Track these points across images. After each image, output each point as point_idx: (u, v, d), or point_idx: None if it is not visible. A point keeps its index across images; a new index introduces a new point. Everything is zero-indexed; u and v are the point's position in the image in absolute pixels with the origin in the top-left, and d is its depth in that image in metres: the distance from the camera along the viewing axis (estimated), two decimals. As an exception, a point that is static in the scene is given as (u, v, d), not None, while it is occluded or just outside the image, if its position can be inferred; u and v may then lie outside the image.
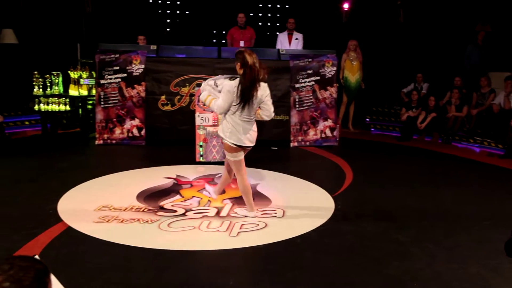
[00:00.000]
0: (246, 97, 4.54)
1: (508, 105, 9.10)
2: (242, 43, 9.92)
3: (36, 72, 8.99)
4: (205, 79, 7.90)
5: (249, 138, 4.72)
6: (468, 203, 5.69)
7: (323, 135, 8.77)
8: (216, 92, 4.79)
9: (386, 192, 6.06)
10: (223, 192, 5.59)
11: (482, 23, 10.63)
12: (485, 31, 10.55)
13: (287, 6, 12.77)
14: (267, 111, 4.84)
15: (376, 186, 6.32)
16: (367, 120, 11.13)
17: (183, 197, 5.54)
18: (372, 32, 11.52)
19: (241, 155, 4.75)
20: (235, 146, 4.66)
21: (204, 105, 5.27)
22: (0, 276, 1.49)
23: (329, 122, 8.78)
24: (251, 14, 12.28)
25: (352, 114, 10.45)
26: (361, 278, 3.74)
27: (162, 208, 5.12)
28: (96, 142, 8.29)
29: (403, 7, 11.90)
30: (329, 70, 8.75)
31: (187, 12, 12.67)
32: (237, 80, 4.58)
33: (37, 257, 2.10)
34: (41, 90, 8.99)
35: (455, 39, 10.97)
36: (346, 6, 11.80)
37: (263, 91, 4.69)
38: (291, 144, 8.64)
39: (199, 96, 5.05)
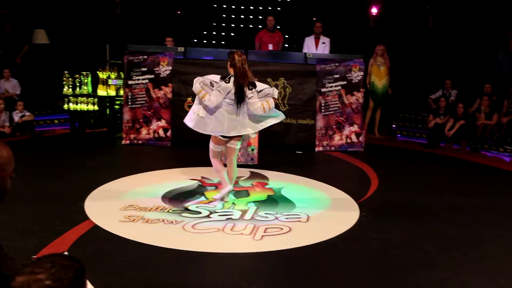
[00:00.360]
0: (240, 94, 5.11)
1: (540, 113, 8.91)
2: (270, 46, 9.91)
3: (66, 72, 9.12)
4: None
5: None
6: (497, 214, 5.58)
7: (349, 141, 8.69)
8: (208, 89, 5.19)
9: (412, 199, 5.98)
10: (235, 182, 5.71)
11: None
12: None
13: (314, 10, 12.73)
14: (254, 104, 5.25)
15: (402, 193, 6.24)
16: (394, 126, 11.01)
17: (207, 199, 5.57)
18: (400, 37, 11.39)
19: (221, 146, 5.38)
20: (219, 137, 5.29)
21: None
22: (42, 274, 1.50)
23: (355, 128, 8.69)
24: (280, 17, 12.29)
25: (378, 120, 10.34)
26: (385, 285, 3.71)
27: (186, 209, 5.15)
28: (123, 142, 8.37)
29: (433, 12, 11.74)
30: (356, 75, 8.68)
31: (216, 15, 12.73)
32: (232, 80, 5.12)
33: (66, 253, 2.14)
34: (70, 89, 9.11)
35: (486, 45, 10.77)
36: (374, 10, 11.70)
37: (259, 86, 5.26)
38: (316, 149, 8.58)
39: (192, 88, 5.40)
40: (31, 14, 10.81)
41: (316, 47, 9.81)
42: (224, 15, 12.79)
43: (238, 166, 7.00)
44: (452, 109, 9.78)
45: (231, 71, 5.20)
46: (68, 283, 1.51)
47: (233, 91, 5.14)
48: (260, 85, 5.34)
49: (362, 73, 8.71)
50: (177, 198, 5.53)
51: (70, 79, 9.09)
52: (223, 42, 12.59)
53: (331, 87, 8.63)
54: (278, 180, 6.48)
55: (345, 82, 8.65)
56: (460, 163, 8.39)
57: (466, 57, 10.97)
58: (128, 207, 5.10)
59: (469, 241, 4.66)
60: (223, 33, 12.76)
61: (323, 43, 9.81)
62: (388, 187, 6.48)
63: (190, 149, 7.97)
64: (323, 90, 8.61)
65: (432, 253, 4.32)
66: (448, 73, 10.79)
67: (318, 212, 5.28)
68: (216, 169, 5.55)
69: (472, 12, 11.04)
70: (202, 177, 6.40)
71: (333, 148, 8.64)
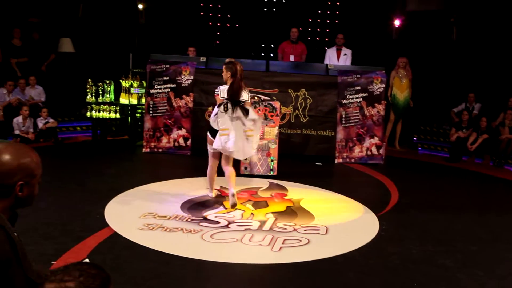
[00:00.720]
0: (234, 99, 5.38)
1: None
2: (292, 57, 9.92)
3: (89, 80, 9.24)
4: (253, 92, 8.02)
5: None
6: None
7: (369, 153, 8.63)
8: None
9: (433, 214, 5.90)
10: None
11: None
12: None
13: (336, 22, 12.74)
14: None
15: (422, 207, 6.16)
16: (415, 139, 10.89)
17: (226, 209, 5.56)
18: (423, 49, 11.30)
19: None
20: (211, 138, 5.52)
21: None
22: (71, 282, 1.53)
23: (376, 140, 8.63)
24: (301, 29, 12.30)
25: (399, 133, 10.25)
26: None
27: (205, 219, 5.16)
28: (143, 150, 8.43)
29: (457, 25, 11.63)
30: (378, 87, 8.63)
31: (237, 25, 12.81)
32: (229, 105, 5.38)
33: (87, 260, 2.16)
34: (93, 97, 9.21)
35: (510, 58, 10.62)
36: (397, 22, 11.65)
37: (247, 94, 5.52)
38: (336, 161, 8.53)
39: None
40: (58, 23, 11.00)
41: (337, 58, 9.79)
42: (245, 25, 12.85)
43: (258, 176, 7.06)
44: (475, 123, 9.65)
45: (230, 80, 5.45)
46: None
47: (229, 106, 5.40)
48: (252, 114, 5.49)
49: (383, 85, 8.67)
50: (196, 207, 5.54)
51: (93, 87, 9.19)
52: (236, 53, 12.63)
53: (352, 98, 8.59)
54: (297, 192, 6.44)
55: (366, 94, 8.61)
56: (482, 178, 8.26)
57: (490, 70, 10.82)
58: (147, 215, 5.13)
59: (491, 258, 4.57)
60: (245, 43, 12.82)
61: (345, 54, 9.79)
62: (409, 201, 6.40)
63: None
64: (344, 101, 8.57)
65: (453, 270, 4.25)
66: (471, 86, 10.64)
67: (337, 225, 5.23)
68: (209, 175, 5.84)
69: (497, 25, 10.91)
70: (221, 187, 6.39)
71: (353, 160, 8.58)
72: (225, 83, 5.52)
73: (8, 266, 1.67)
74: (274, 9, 12.69)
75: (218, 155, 5.66)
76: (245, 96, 5.48)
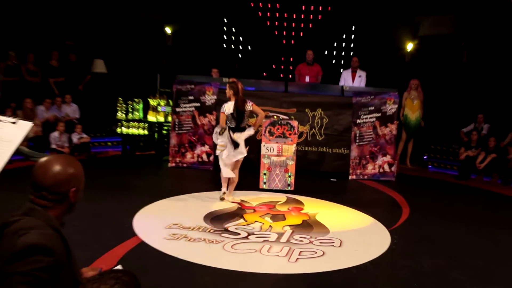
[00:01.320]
0: (238, 113, 6.14)
1: None
2: (307, 78, 9.97)
3: (120, 98, 9.41)
4: (272, 111, 8.10)
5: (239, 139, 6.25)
6: (527, 247, 5.40)
7: (381, 170, 8.62)
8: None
9: (442, 229, 5.85)
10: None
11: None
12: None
13: (351, 45, 12.79)
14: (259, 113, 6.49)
15: (432, 222, 6.11)
16: (425, 157, 10.82)
17: (246, 221, 5.59)
18: (434, 71, 11.28)
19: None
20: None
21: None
22: None
23: (388, 158, 8.62)
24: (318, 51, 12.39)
25: (410, 151, 10.20)
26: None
27: (226, 230, 5.18)
28: (169, 164, 8.53)
29: (467, 48, 11.59)
30: (390, 108, 8.64)
31: (257, 49, 12.94)
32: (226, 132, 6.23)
33: (120, 267, 2.22)
34: (123, 114, 9.38)
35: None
36: (409, 46, 11.66)
37: (249, 106, 6.25)
38: (350, 177, 8.54)
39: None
40: (92, 45, 11.24)
41: (352, 80, 9.81)
42: (266, 48, 12.98)
43: (276, 191, 7.08)
44: (484, 143, 9.56)
45: (233, 97, 6.19)
46: None
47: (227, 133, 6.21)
48: (239, 135, 6.25)
49: (396, 106, 8.67)
50: (217, 219, 5.58)
51: (123, 105, 9.36)
52: (264, 74, 12.76)
53: (366, 118, 8.61)
54: (313, 206, 6.45)
55: (379, 114, 8.62)
56: (490, 195, 8.16)
57: (499, 92, 10.73)
58: (173, 226, 5.18)
59: (500, 273, 4.52)
60: (265, 65, 12.93)
61: (360, 76, 9.81)
62: (419, 216, 6.35)
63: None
64: (358, 121, 8.59)
65: (463, 283, 4.21)
66: (480, 107, 10.57)
67: (350, 238, 5.22)
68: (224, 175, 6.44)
69: (506, 48, 10.84)
70: (242, 200, 6.45)
71: (366, 177, 8.57)
72: (229, 99, 6.24)
73: (62, 268, 1.72)
74: (293, 33, 12.81)
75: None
76: (247, 107, 6.23)
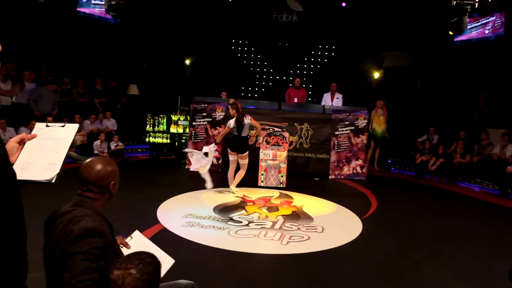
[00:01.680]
0: (239, 125, 6.23)
1: (504, 155, 8.51)
2: (296, 99, 9.93)
3: (148, 114, 9.37)
4: (268, 125, 8.01)
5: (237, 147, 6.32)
6: (470, 232, 5.28)
7: (355, 171, 8.52)
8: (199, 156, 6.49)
9: (403, 218, 5.75)
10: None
11: (483, 90, 10.09)
12: (485, 97, 10.00)
13: (329, 71, 12.75)
14: (257, 126, 6.55)
15: (396, 213, 6.01)
16: (389, 161, 10.71)
17: (247, 211, 5.51)
18: (395, 94, 11.23)
19: (231, 156, 6.37)
20: (229, 150, 6.38)
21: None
22: (133, 269, 1.57)
23: (360, 162, 8.53)
24: (304, 79, 12.36)
25: (377, 156, 10.11)
26: (380, 286, 3.53)
27: (231, 219, 5.10)
28: (186, 167, 8.40)
29: (421, 77, 11.56)
30: (361, 122, 8.56)
31: (257, 76, 12.91)
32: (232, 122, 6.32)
33: (136, 232, 2.14)
34: (151, 127, 9.32)
35: (461, 101, 10.48)
36: (376, 75, 11.64)
37: (247, 120, 6.28)
38: (330, 177, 8.45)
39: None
40: (128, 73, 11.22)
41: (331, 100, 9.74)
42: (263, 76, 12.95)
43: (271, 188, 6.99)
44: (435, 150, 9.47)
45: (235, 114, 6.27)
46: (151, 275, 1.58)
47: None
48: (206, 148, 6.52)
49: (366, 121, 8.60)
50: (224, 210, 5.50)
51: (151, 119, 9.31)
52: (256, 96, 12.72)
53: (342, 131, 8.53)
54: (301, 200, 6.38)
55: (353, 127, 8.54)
56: (440, 191, 8.05)
57: (445, 110, 10.68)
58: (188, 215, 5.10)
59: (448, 253, 4.41)
60: (263, 89, 12.90)
61: (337, 98, 9.73)
62: (385, 208, 6.27)
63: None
64: (336, 133, 8.52)
65: (419, 262, 4.10)
66: (431, 122, 10.50)
67: (331, 225, 5.13)
68: (229, 174, 6.56)
69: (451, 76, 10.82)
70: (244, 195, 6.37)
71: (342, 177, 8.47)
72: (232, 116, 6.33)
73: (109, 247, 1.72)
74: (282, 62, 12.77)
75: (235, 162, 6.43)
76: (246, 121, 6.27)
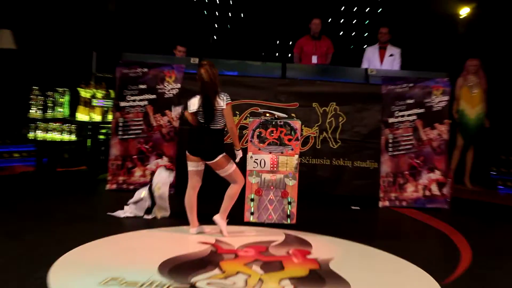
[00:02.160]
0: (208, 108, 6.34)
1: None
2: (314, 59, 10.01)
3: (35, 87, 9.33)
4: (263, 107, 8.00)
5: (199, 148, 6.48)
6: None
7: (428, 193, 8.56)
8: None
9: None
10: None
11: None
12: None
13: (379, 11, 12.78)
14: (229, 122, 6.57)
15: (508, 273, 5.95)
16: (493, 173, 10.76)
17: (223, 272, 5.40)
18: (502, 47, 11.23)
19: (190, 165, 6.53)
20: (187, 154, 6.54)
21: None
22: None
23: (437, 175, 8.57)
24: (330, 20, 12.35)
25: (470, 164, 10.22)
26: None
27: (193, 287, 4.97)
28: (107, 186, 8.44)
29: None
30: (438, 100, 8.62)
31: (242, 15, 12.91)
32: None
33: None
34: (39, 112, 9.30)
35: None
36: (465, 11, 11.65)
37: (223, 101, 6.37)
38: (380, 204, 8.52)
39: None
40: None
41: (381, 60, 9.84)
42: (254, 15, 12.97)
43: (269, 225, 6.99)
44: None
45: (203, 87, 6.40)
46: None
47: None
48: None
49: (447, 98, 8.67)
50: (180, 269, 5.40)
51: (39, 97, 9.26)
52: (242, 52, 12.72)
53: (402, 116, 8.61)
54: (325, 248, 6.35)
55: (422, 110, 8.62)
56: None
57: None
58: (111, 281, 4.97)
59: None
60: (253, 40, 12.92)
61: (391, 55, 9.86)
62: (486, 263, 6.21)
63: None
64: (391, 120, 8.60)
65: None
66: None
67: (384, 298, 5.05)
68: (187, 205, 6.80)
69: None
70: (217, 240, 6.33)
71: (404, 203, 8.54)
72: (196, 92, 6.51)
73: None
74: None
75: (199, 176, 6.68)
76: (221, 102, 6.40)
